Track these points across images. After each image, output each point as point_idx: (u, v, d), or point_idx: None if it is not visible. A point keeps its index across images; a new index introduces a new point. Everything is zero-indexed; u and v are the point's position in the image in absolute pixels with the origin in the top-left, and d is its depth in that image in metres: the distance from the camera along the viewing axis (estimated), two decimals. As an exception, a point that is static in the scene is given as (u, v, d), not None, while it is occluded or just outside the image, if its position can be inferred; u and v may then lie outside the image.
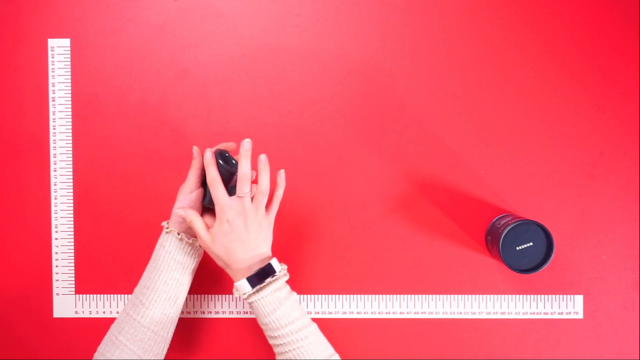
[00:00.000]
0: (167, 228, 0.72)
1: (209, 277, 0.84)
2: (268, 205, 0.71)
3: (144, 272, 0.73)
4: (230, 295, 0.84)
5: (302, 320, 0.69)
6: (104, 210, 0.84)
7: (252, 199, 0.70)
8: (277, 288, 0.69)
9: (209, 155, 0.70)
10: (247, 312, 0.84)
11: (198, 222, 0.69)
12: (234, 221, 0.68)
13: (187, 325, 0.84)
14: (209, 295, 0.84)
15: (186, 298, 0.84)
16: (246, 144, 0.69)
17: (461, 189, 0.83)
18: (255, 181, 0.76)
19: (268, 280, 0.68)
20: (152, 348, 0.70)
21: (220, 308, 0.85)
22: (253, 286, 0.68)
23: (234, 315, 0.84)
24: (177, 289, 0.71)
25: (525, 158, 0.83)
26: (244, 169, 0.68)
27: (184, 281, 0.72)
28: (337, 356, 0.70)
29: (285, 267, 0.71)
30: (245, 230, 0.68)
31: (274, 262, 0.69)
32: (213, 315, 0.84)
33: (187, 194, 0.73)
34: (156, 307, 0.69)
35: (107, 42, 0.84)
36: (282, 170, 0.73)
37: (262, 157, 0.69)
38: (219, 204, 0.68)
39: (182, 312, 0.84)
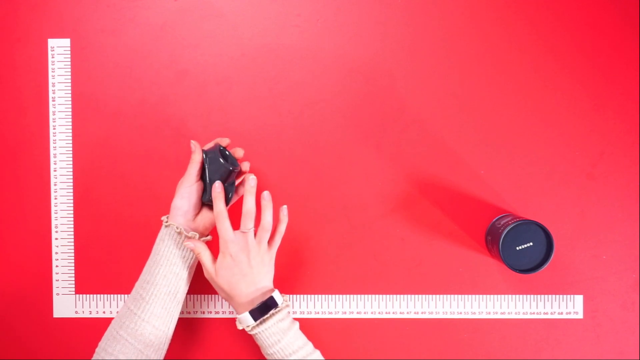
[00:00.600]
0: (167, 222, 0.72)
1: (204, 278, 0.84)
2: (270, 240, 0.73)
3: (144, 267, 0.73)
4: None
5: (305, 349, 0.71)
6: (104, 210, 0.84)
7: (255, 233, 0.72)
8: (280, 319, 0.70)
9: (218, 188, 0.71)
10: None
11: (205, 255, 0.71)
12: (237, 256, 0.70)
13: (187, 325, 0.84)
14: (209, 296, 0.84)
15: (186, 297, 0.84)
16: (252, 181, 0.71)
17: (461, 189, 0.83)
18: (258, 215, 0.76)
19: (271, 312, 0.70)
20: (153, 343, 0.70)
21: (220, 308, 0.84)
22: (255, 319, 0.69)
23: (234, 315, 0.84)
24: (177, 283, 0.71)
25: (525, 158, 0.83)
26: (248, 205, 0.70)
27: (184, 275, 0.72)
28: None
29: (287, 297, 0.73)
30: (248, 265, 0.70)
31: (276, 295, 0.71)
32: (213, 315, 0.84)
33: (187, 187, 0.73)
34: (156, 302, 0.70)
35: (107, 42, 0.84)
36: (285, 207, 0.74)
37: (266, 194, 0.72)
38: (223, 238, 0.70)
39: (182, 312, 0.84)
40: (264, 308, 0.70)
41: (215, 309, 0.84)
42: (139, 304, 0.70)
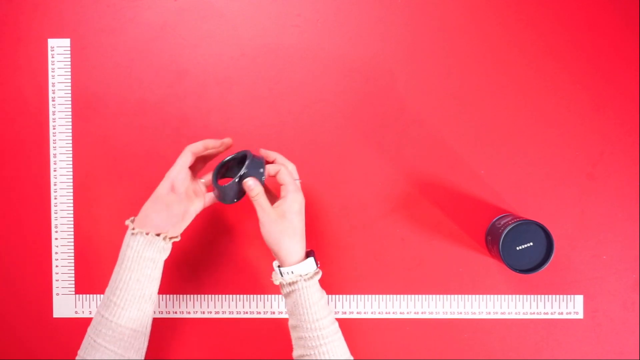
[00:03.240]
0: (133, 229, 0.70)
1: (207, 278, 0.84)
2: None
3: (112, 272, 0.71)
4: (229, 295, 0.84)
5: (333, 316, 0.71)
6: (104, 210, 0.84)
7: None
8: (318, 279, 0.71)
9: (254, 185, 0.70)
10: (246, 312, 0.84)
11: (268, 208, 0.70)
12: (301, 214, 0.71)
13: (185, 325, 0.84)
14: (209, 295, 0.84)
15: (178, 297, 0.84)
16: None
17: (461, 189, 0.83)
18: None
19: (317, 269, 0.70)
20: (133, 345, 0.69)
21: (220, 308, 0.84)
22: (317, 265, 0.70)
23: (234, 315, 0.84)
24: (150, 284, 0.70)
25: (525, 158, 0.83)
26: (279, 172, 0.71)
27: (156, 275, 0.71)
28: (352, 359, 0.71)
29: None
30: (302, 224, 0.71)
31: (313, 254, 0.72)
32: (213, 316, 0.84)
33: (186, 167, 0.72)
34: (131, 306, 0.69)
35: (107, 42, 0.84)
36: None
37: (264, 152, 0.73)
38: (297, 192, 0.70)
39: (184, 312, 0.84)
40: (315, 262, 0.70)
41: (215, 309, 0.84)
42: (113, 311, 0.68)
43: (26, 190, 0.84)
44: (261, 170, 0.70)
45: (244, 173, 0.69)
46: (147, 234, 0.69)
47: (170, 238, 0.71)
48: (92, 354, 0.68)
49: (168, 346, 0.84)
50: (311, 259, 0.69)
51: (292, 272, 0.69)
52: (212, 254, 0.84)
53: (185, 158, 0.71)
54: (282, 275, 0.70)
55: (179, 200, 0.71)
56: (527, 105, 0.83)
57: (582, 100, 0.83)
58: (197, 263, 0.84)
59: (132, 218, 0.72)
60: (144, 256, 0.69)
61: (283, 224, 0.69)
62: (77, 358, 0.69)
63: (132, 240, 0.69)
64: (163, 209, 0.70)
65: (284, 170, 0.71)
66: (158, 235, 0.70)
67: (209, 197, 0.74)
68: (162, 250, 0.71)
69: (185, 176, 0.71)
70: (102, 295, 0.84)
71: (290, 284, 0.69)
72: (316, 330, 0.68)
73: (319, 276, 0.70)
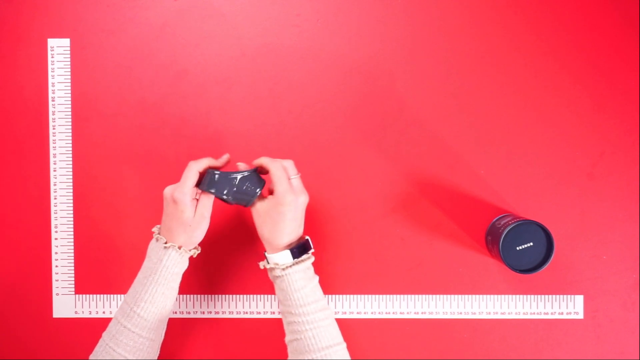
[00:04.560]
0: (166, 242, 0.70)
1: (207, 278, 0.84)
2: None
3: (136, 281, 0.71)
4: (230, 295, 0.84)
5: (324, 302, 0.72)
6: (104, 210, 0.84)
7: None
8: (309, 266, 0.71)
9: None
10: (246, 312, 0.84)
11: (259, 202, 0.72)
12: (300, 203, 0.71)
13: (185, 325, 0.84)
14: (209, 295, 0.84)
15: (185, 297, 0.84)
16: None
17: (461, 189, 0.83)
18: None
19: (305, 255, 0.71)
20: (149, 353, 0.71)
21: (220, 308, 0.84)
22: (294, 258, 0.70)
23: (234, 316, 0.84)
24: (172, 294, 0.72)
25: (525, 158, 0.83)
26: (270, 165, 0.72)
27: (177, 285, 0.72)
28: (344, 344, 0.71)
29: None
30: (302, 211, 0.71)
31: (309, 240, 0.72)
32: (213, 315, 0.84)
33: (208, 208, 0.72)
34: (154, 318, 0.70)
35: (107, 42, 0.84)
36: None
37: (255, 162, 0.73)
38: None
39: (183, 312, 0.84)
40: (302, 249, 0.71)
41: (215, 309, 0.84)
42: (137, 322, 0.69)
43: (26, 190, 0.84)
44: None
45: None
46: (179, 247, 0.70)
47: (193, 249, 0.72)
48: None
49: (168, 346, 0.84)
50: (287, 252, 0.70)
51: (272, 260, 0.71)
52: (212, 254, 0.84)
53: (194, 178, 0.71)
54: (267, 261, 0.72)
55: (202, 220, 0.71)
56: (527, 105, 0.83)
57: (582, 100, 0.83)
58: (197, 263, 0.84)
59: (157, 227, 0.72)
60: (173, 271, 0.71)
61: (264, 218, 0.70)
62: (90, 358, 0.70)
63: (164, 255, 0.70)
64: (193, 230, 0.70)
65: (274, 169, 0.70)
66: (189, 250, 0.71)
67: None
68: (186, 263, 0.72)
69: (194, 195, 0.71)
70: (101, 296, 0.84)
71: (271, 270, 0.71)
72: (301, 315, 0.69)
73: (302, 265, 0.70)
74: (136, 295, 0.70)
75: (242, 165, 0.73)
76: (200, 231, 0.71)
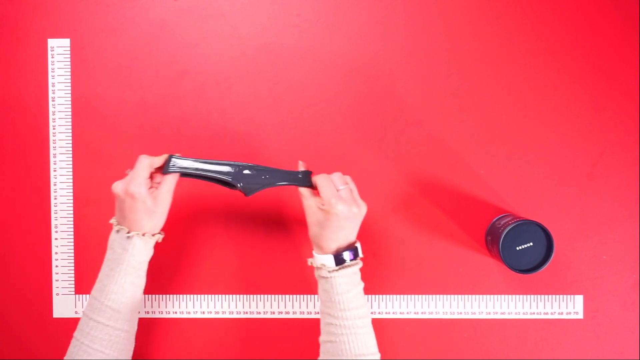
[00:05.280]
0: (129, 232, 0.70)
1: (207, 277, 0.84)
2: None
3: (101, 275, 0.70)
4: (224, 295, 0.84)
5: (365, 309, 0.71)
6: (104, 210, 0.84)
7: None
8: (356, 272, 0.71)
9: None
10: (246, 312, 0.84)
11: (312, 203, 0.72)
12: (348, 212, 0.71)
13: (185, 325, 0.84)
14: (209, 295, 0.84)
15: (171, 297, 0.84)
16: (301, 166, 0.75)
17: (461, 189, 0.83)
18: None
19: (352, 262, 0.71)
20: (126, 346, 0.70)
21: (220, 308, 0.84)
22: (338, 264, 0.70)
23: (234, 316, 0.84)
24: (141, 283, 0.72)
25: (525, 158, 0.83)
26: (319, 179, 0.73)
27: (145, 273, 0.72)
28: (378, 356, 0.72)
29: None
30: (352, 221, 0.71)
31: (359, 246, 0.72)
32: (213, 315, 0.84)
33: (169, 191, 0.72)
34: (126, 308, 0.70)
35: (107, 42, 0.84)
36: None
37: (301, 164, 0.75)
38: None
39: (184, 312, 0.84)
40: (354, 253, 0.71)
41: (215, 309, 0.84)
42: (109, 314, 0.68)
43: (26, 190, 0.84)
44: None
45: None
46: (143, 235, 0.70)
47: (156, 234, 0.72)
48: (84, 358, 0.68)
49: (166, 347, 0.84)
50: (330, 257, 0.69)
51: (318, 260, 0.71)
52: (212, 254, 0.84)
53: (148, 171, 0.71)
54: (314, 260, 0.72)
55: (164, 202, 0.71)
56: (527, 105, 0.83)
57: (582, 100, 0.83)
58: (197, 263, 0.84)
59: (114, 218, 0.72)
60: (140, 259, 0.71)
61: (313, 218, 0.70)
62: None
63: (129, 244, 0.70)
64: (159, 215, 0.71)
65: (320, 181, 0.71)
66: (153, 235, 0.71)
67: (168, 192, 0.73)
68: (152, 250, 0.72)
69: (147, 182, 0.71)
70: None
71: (317, 269, 0.71)
72: (340, 319, 0.69)
73: (348, 270, 0.70)
74: (104, 289, 0.69)
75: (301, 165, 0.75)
76: (163, 215, 0.71)
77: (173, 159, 0.72)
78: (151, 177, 0.72)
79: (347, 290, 0.70)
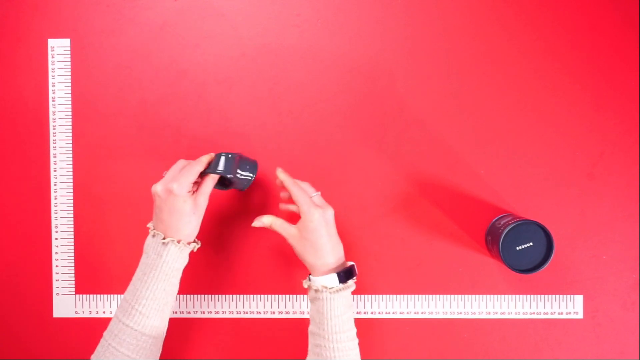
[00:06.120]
0: (164, 238, 0.70)
1: (207, 277, 0.84)
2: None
3: (135, 278, 0.70)
4: (230, 295, 0.84)
5: (354, 332, 0.72)
6: (104, 210, 0.84)
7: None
8: (350, 294, 0.72)
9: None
10: (246, 313, 0.84)
11: (289, 231, 0.73)
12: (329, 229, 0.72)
13: (185, 325, 0.84)
14: (209, 295, 0.84)
15: (185, 297, 0.84)
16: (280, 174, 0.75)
17: (461, 189, 0.83)
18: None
19: (351, 281, 0.71)
20: (153, 352, 0.70)
21: (220, 308, 0.85)
22: (340, 282, 0.70)
23: (234, 316, 0.84)
24: (173, 291, 0.71)
25: (525, 158, 0.83)
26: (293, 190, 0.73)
27: (178, 281, 0.72)
28: None
29: None
30: (333, 225, 0.73)
31: (354, 266, 0.73)
32: (213, 315, 0.84)
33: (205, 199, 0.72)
34: (156, 315, 0.69)
35: (107, 42, 0.84)
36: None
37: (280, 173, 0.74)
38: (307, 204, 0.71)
39: (184, 312, 0.84)
40: (348, 274, 0.71)
41: (215, 309, 0.84)
42: (138, 319, 0.68)
43: (26, 190, 0.84)
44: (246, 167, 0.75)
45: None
46: (178, 241, 0.70)
47: (191, 242, 0.72)
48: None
49: (168, 346, 0.84)
50: (334, 275, 0.70)
51: (317, 282, 0.71)
52: (212, 253, 0.84)
53: (194, 177, 0.71)
54: (310, 280, 0.72)
55: (200, 208, 0.72)
56: (527, 105, 0.83)
57: (582, 100, 0.83)
58: (197, 263, 0.84)
59: (151, 223, 0.72)
60: (173, 267, 0.70)
61: (302, 243, 0.71)
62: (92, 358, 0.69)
63: (164, 250, 0.69)
64: (190, 220, 0.71)
65: (295, 191, 0.72)
66: (189, 244, 0.71)
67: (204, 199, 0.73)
68: (187, 258, 0.72)
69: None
70: (101, 296, 0.84)
71: (315, 291, 0.71)
72: (333, 342, 0.69)
73: (346, 291, 0.70)
74: (136, 293, 0.69)
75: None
76: (199, 221, 0.71)
77: (222, 157, 0.73)
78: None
79: (344, 312, 0.70)
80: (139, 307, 0.69)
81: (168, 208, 0.70)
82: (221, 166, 0.73)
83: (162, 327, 0.71)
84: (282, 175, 0.73)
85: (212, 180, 0.73)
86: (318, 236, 0.70)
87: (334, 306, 0.69)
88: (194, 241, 0.72)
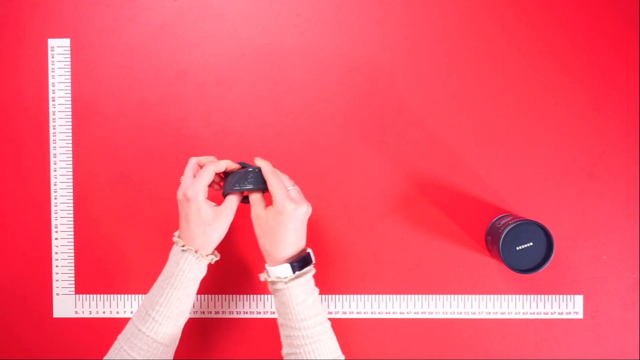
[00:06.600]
0: (183, 246, 0.70)
1: (208, 277, 0.84)
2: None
3: (155, 284, 0.70)
4: (232, 295, 0.84)
5: (323, 315, 0.71)
6: (104, 210, 0.84)
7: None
8: (310, 279, 0.70)
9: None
10: (246, 312, 0.84)
11: (259, 207, 0.71)
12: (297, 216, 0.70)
13: (193, 325, 0.84)
14: (209, 295, 0.84)
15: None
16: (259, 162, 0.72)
17: (461, 189, 0.83)
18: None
19: (307, 268, 0.70)
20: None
21: (221, 308, 0.85)
22: (294, 272, 0.69)
23: (233, 316, 0.84)
24: (189, 301, 0.71)
25: (525, 158, 0.83)
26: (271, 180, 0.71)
27: (194, 292, 0.72)
28: (343, 358, 0.71)
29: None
30: (303, 222, 0.70)
31: (311, 252, 0.71)
32: (213, 316, 0.84)
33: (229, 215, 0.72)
34: (169, 323, 0.69)
35: (107, 42, 0.84)
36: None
37: (259, 161, 0.72)
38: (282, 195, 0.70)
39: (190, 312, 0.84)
40: (303, 263, 0.70)
41: (215, 309, 0.84)
42: (151, 326, 0.68)
43: (26, 190, 0.84)
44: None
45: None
46: (196, 251, 0.69)
47: (209, 256, 0.72)
48: None
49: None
50: (287, 266, 0.69)
51: (273, 273, 0.70)
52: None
53: (210, 178, 0.71)
54: (268, 274, 0.71)
55: (223, 220, 0.71)
56: (527, 105, 0.83)
57: (582, 100, 0.83)
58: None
59: (178, 232, 0.72)
60: (190, 277, 0.70)
61: (264, 228, 0.70)
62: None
63: (182, 259, 0.69)
64: (212, 230, 0.70)
65: (272, 180, 0.70)
66: (207, 255, 0.71)
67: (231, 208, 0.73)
68: (204, 270, 0.72)
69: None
70: (101, 296, 0.84)
71: (272, 283, 0.70)
72: (301, 329, 0.68)
73: (303, 278, 0.69)
74: (153, 299, 0.69)
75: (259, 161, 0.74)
76: (219, 232, 0.70)
77: (250, 172, 0.71)
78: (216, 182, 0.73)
79: (305, 299, 0.69)
80: (153, 313, 0.68)
81: (185, 214, 0.70)
82: (253, 181, 0.71)
83: (174, 335, 0.70)
84: (261, 162, 0.72)
85: (239, 196, 0.72)
86: (282, 229, 0.69)
87: (293, 294, 0.69)
88: (213, 253, 0.72)
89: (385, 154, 0.84)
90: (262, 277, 0.72)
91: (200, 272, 0.71)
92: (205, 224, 0.69)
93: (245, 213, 0.84)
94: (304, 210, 0.69)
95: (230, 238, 0.84)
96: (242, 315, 0.84)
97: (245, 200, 0.73)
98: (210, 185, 0.71)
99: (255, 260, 0.84)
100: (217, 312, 0.84)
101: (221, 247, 0.84)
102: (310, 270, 0.70)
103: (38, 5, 0.84)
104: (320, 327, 0.69)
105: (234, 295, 0.84)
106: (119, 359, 0.68)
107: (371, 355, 0.84)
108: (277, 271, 0.69)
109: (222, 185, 0.74)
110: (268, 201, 0.71)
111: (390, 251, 0.84)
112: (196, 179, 0.70)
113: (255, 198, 0.71)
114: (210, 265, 0.84)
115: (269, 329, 0.84)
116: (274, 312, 0.84)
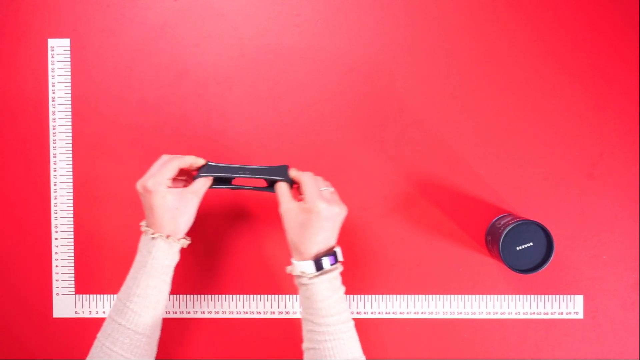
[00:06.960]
0: (153, 233, 0.70)
1: (207, 277, 0.84)
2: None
3: (128, 277, 0.70)
4: (230, 295, 0.84)
5: (347, 313, 0.70)
6: (104, 211, 0.84)
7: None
8: (336, 277, 0.70)
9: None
10: (247, 312, 0.84)
11: (292, 205, 0.71)
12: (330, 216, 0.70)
13: (185, 325, 0.84)
14: (209, 295, 0.84)
15: (183, 297, 0.84)
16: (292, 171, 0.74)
17: (461, 189, 0.83)
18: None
19: (333, 266, 0.70)
20: (147, 352, 0.70)
21: (220, 308, 0.84)
22: (318, 269, 0.69)
23: (234, 316, 0.84)
24: (165, 288, 0.71)
25: (525, 158, 0.83)
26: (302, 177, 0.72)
27: (169, 280, 0.71)
28: (363, 358, 0.71)
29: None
30: (333, 222, 0.70)
31: (339, 251, 0.71)
32: (213, 316, 0.84)
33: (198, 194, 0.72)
34: (147, 313, 0.69)
35: (107, 42, 0.84)
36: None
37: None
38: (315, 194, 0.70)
39: (183, 312, 0.84)
40: (329, 261, 0.69)
41: (215, 309, 0.84)
42: (130, 317, 0.68)
43: (26, 190, 0.84)
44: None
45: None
46: (167, 237, 0.70)
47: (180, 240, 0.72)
48: None
49: (167, 346, 0.84)
50: (311, 262, 0.69)
51: (297, 267, 0.70)
52: (212, 253, 0.84)
53: (173, 173, 0.71)
54: (293, 268, 0.71)
55: (190, 201, 0.71)
56: (527, 105, 0.83)
57: (582, 100, 0.83)
58: (197, 263, 0.84)
59: (144, 222, 0.72)
60: (164, 263, 0.70)
61: (293, 221, 0.69)
62: None
63: (153, 246, 0.69)
64: (174, 216, 0.70)
65: (305, 179, 0.71)
66: (179, 239, 0.71)
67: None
68: (177, 255, 0.72)
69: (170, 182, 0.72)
70: (101, 296, 0.84)
71: (297, 277, 0.70)
72: (322, 325, 0.68)
73: (328, 276, 0.69)
74: (128, 291, 0.69)
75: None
76: (187, 216, 0.71)
77: (209, 164, 0.73)
78: (183, 179, 0.74)
79: (329, 296, 0.69)
80: (131, 305, 0.68)
81: (148, 205, 0.70)
82: (212, 168, 0.73)
83: (155, 325, 0.70)
84: (293, 172, 0.73)
85: (203, 181, 0.73)
86: (310, 226, 0.68)
87: (317, 290, 0.68)
88: (184, 237, 0.72)
89: (385, 154, 0.84)
90: (289, 269, 0.71)
91: (174, 257, 0.71)
92: (173, 209, 0.70)
93: (241, 213, 0.84)
94: (336, 211, 0.69)
95: (236, 239, 0.84)
96: (242, 315, 0.84)
97: (230, 185, 0.74)
98: (174, 180, 0.72)
99: (255, 260, 0.84)
100: (217, 312, 0.84)
101: (221, 247, 0.84)
102: (336, 268, 0.70)
103: (38, 5, 0.84)
104: (342, 325, 0.69)
105: (234, 295, 0.84)
106: (102, 357, 0.67)
107: (371, 355, 0.84)
108: (302, 266, 0.69)
109: (188, 181, 0.75)
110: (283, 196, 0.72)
111: (390, 251, 0.84)
112: (158, 172, 0.70)
113: (284, 189, 0.72)
114: (210, 265, 0.84)
115: (269, 328, 0.84)
116: (273, 313, 0.84)
